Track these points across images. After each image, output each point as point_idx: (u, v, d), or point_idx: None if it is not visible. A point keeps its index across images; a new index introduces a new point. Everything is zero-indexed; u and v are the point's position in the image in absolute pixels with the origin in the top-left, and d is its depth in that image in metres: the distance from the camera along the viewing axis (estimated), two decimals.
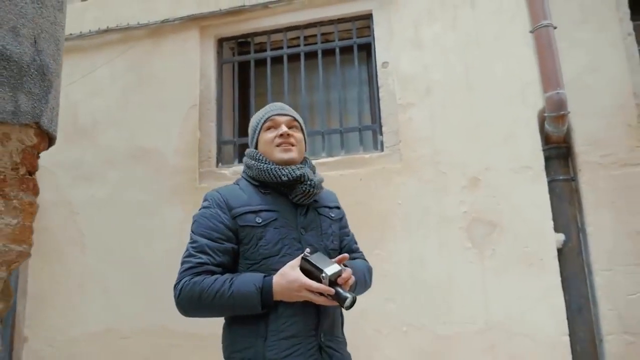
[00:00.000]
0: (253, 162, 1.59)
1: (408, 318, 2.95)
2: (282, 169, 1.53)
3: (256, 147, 1.64)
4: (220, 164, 3.55)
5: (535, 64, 3.03)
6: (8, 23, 1.10)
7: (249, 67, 3.72)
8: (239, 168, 3.42)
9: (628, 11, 3.04)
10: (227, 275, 1.43)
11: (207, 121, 3.58)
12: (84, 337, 3.40)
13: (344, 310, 1.46)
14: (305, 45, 3.62)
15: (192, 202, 3.40)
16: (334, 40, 3.57)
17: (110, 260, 3.46)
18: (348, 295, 1.31)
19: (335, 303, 1.35)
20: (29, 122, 1.14)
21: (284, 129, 1.58)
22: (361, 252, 1.75)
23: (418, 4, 3.32)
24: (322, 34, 3.64)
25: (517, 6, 3.15)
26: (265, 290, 1.38)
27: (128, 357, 3.29)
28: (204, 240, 1.47)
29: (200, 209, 1.56)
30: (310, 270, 1.35)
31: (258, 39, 3.76)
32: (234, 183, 1.65)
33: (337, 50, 3.51)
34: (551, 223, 2.88)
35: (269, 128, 1.62)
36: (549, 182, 2.94)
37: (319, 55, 3.55)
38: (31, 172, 1.17)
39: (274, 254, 1.46)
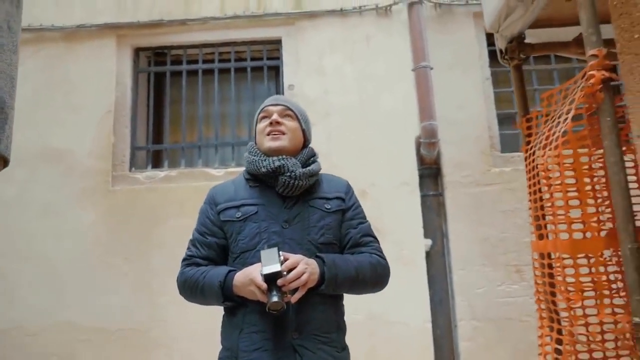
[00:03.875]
0: (246, 154, 1.61)
1: None
2: (264, 160, 1.53)
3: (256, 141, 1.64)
4: (133, 169, 3.74)
5: (414, 98, 3.63)
6: None
7: (165, 77, 3.95)
8: (152, 173, 3.67)
9: (487, 60, 3.76)
10: (207, 268, 1.49)
11: (122, 127, 3.75)
12: None
13: (344, 312, 1.57)
14: (219, 62, 3.93)
15: (105, 204, 3.58)
16: (246, 59, 3.92)
17: (16, 259, 3.50)
18: (272, 298, 1.28)
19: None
20: None
21: (273, 117, 1.57)
22: (373, 245, 1.59)
23: (322, 36, 3.78)
24: (236, 52, 3.97)
25: (404, 47, 3.73)
26: (226, 285, 1.41)
27: (35, 353, 3.38)
28: (196, 235, 1.57)
29: None
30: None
31: (174, 51, 3.99)
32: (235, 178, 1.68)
33: (249, 69, 3.87)
34: (422, 230, 3.48)
35: (263, 118, 1.62)
36: (422, 197, 3.55)
37: (232, 72, 3.88)
38: None
39: (251, 247, 1.46)
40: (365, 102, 3.65)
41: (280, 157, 1.52)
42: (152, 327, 3.37)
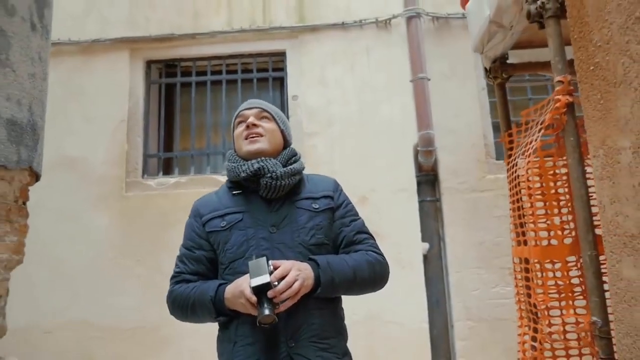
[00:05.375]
0: (225, 162, 1.57)
1: None
2: (243, 164, 1.48)
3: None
4: (145, 175, 3.94)
5: (413, 108, 3.79)
6: (15, 97, 1.54)
7: (175, 88, 4.15)
8: (164, 179, 3.86)
9: (483, 71, 3.90)
10: (196, 284, 1.44)
11: (135, 135, 3.95)
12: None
13: (344, 316, 1.52)
14: (227, 73, 4.12)
15: (118, 209, 3.78)
16: (252, 71, 4.11)
17: (34, 261, 3.67)
18: (263, 312, 1.22)
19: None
20: (25, 166, 1.58)
21: (250, 120, 1.53)
22: (368, 242, 1.53)
23: (325, 49, 3.96)
24: (242, 64, 4.16)
25: (402, 59, 3.89)
26: (218, 299, 1.36)
27: (51, 350, 3.58)
28: (183, 250, 1.53)
29: None
30: None
31: (184, 64, 4.19)
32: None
33: (255, 80, 4.06)
34: (419, 234, 3.64)
35: (239, 123, 1.58)
36: (420, 202, 3.70)
37: (239, 83, 4.07)
38: (25, 202, 1.61)
39: (239, 256, 1.41)
40: (365, 111, 3.82)
41: (259, 159, 1.47)
42: (162, 325, 3.55)
